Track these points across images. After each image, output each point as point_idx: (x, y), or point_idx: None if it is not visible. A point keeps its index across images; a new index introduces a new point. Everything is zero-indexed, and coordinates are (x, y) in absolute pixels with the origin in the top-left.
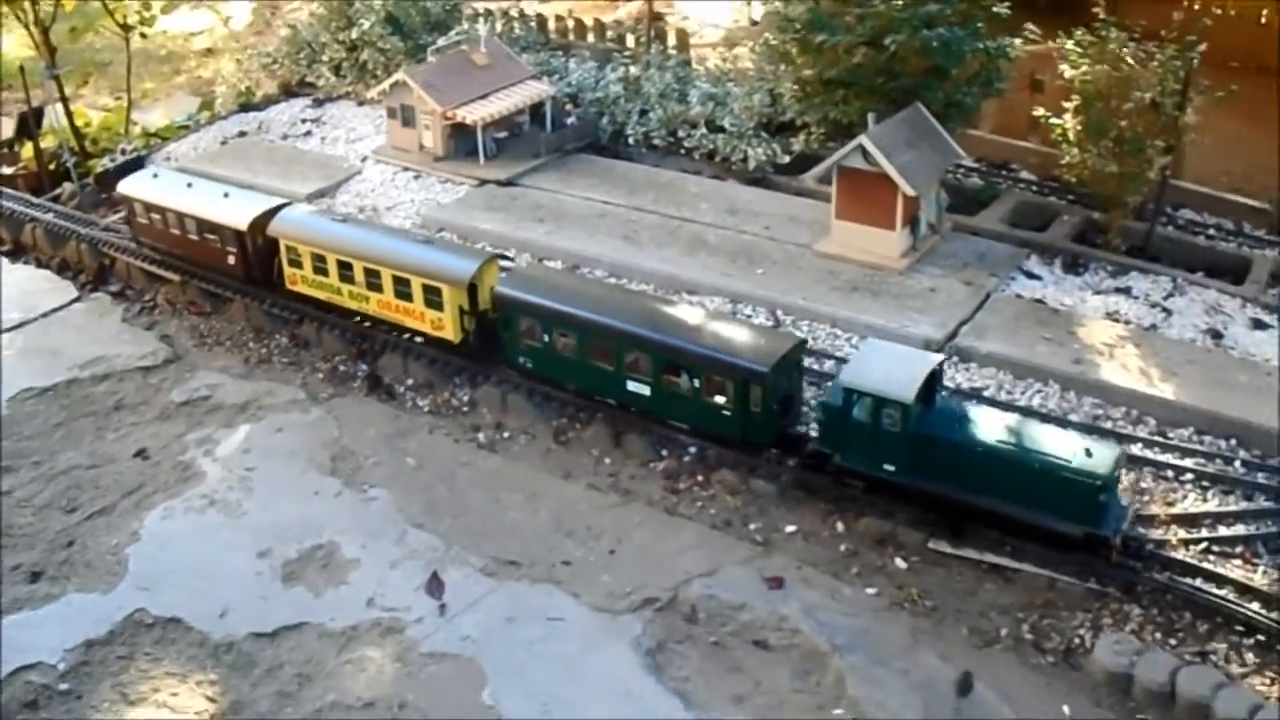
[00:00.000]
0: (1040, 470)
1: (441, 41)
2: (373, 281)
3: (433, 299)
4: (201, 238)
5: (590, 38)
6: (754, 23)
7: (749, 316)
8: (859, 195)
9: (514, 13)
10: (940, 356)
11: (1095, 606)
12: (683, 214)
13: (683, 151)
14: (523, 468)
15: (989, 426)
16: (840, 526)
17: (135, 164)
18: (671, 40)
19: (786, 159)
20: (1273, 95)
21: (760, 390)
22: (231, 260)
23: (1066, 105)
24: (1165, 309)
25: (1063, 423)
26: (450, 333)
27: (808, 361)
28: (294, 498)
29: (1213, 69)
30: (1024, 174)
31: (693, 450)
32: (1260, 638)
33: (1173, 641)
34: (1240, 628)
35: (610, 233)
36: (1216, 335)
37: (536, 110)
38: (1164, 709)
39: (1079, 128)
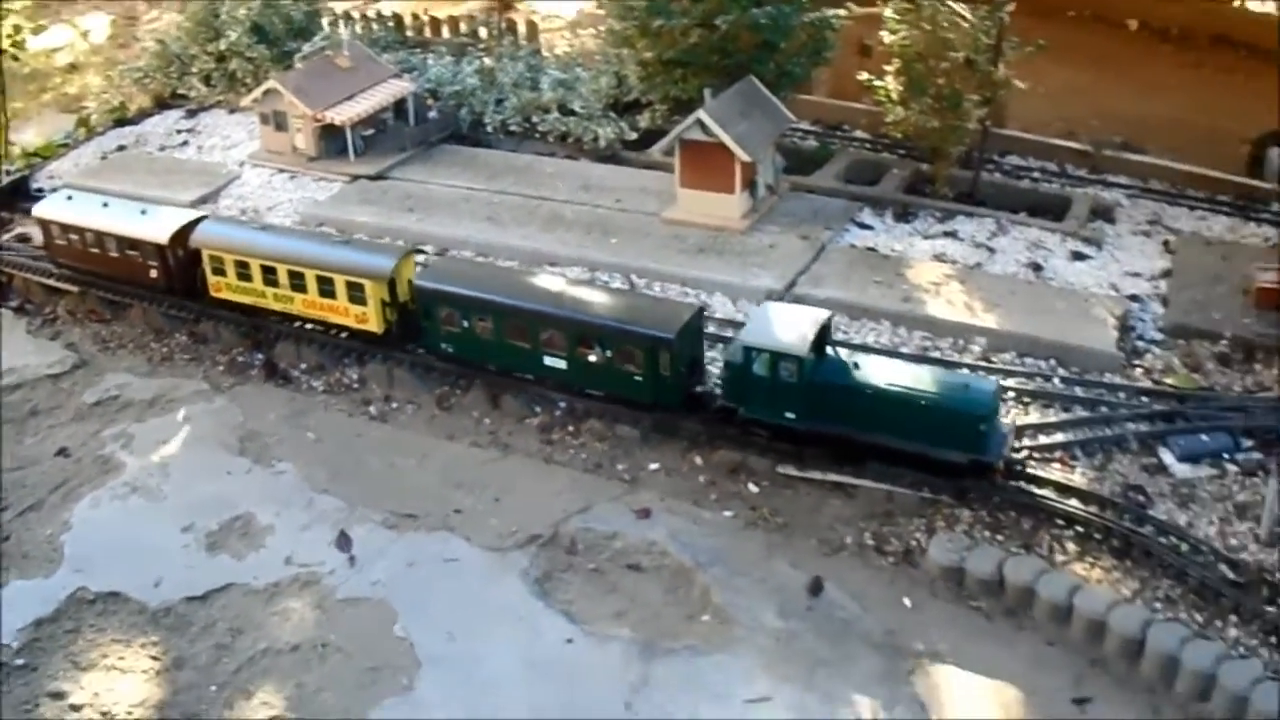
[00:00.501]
0: (925, 407)
1: (307, 48)
2: (296, 283)
3: (356, 295)
4: (122, 254)
5: (445, 33)
6: (600, 5)
7: (606, 283)
8: (700, 164)
9: (371, 14)
10: (829, 313)
11: (929, 513)
12: (541, 193)
13: (538, 135)
14: (412, 434)
15: (878, 372)
16: (698, 460)
17: (19, 184)
18: (522, 31)
19: (634, 135)
20: (1108, 42)
21: (668, 355)
22: (154, 274)
23: (889, 68)
24: (989, 248)
25: (943, 364)
26: (374, 325)
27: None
28: (209, 478)
29: (1048, 19)
30: (857, 133)
31: (563, 405)
32: (1079, 529)
33: (1000, 538)
34: (1061, 522)
35: (474, 216)
36: (1037, 268)
37: (400, 106)
38: (994, 595)
39: (900, 88)
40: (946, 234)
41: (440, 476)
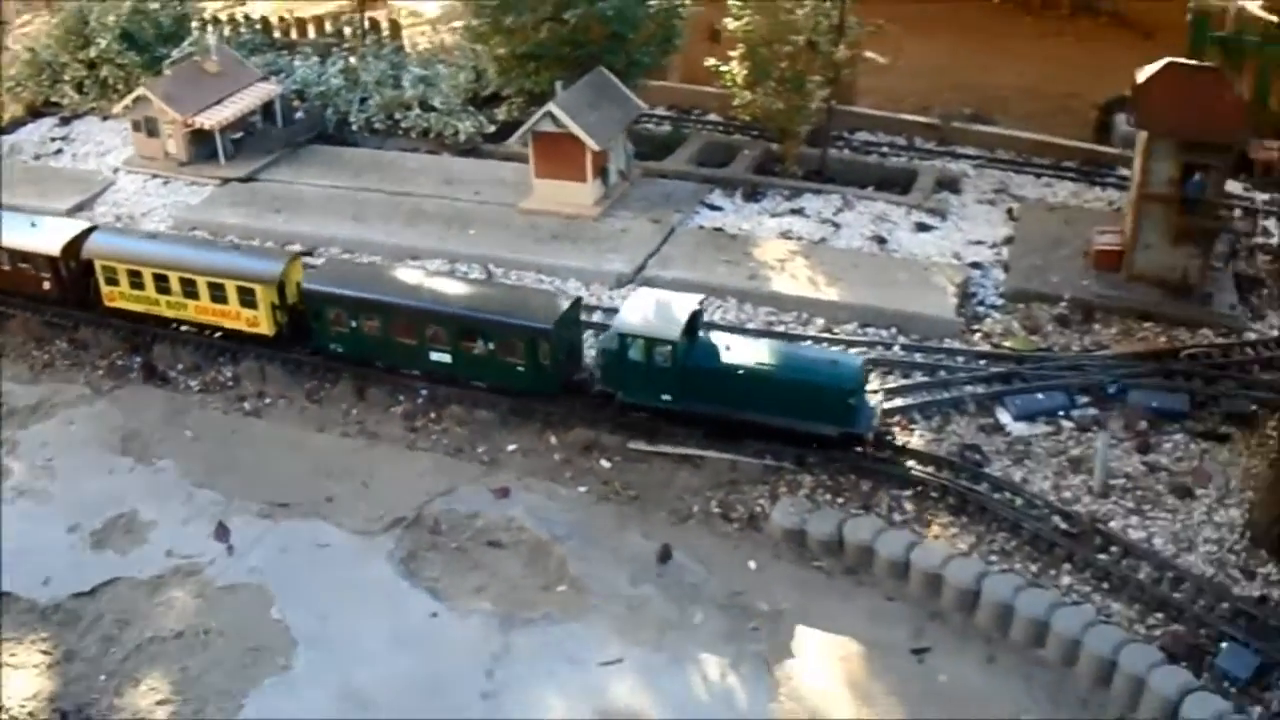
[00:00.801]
0: (795, 384)
1: (176, 54)
2: (189, 290)
3: (247, 299)
4: (15, 267)
5: (311, 33)
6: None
7: (465, 274)
8: (552, 155)
9: (239, 17)
10: (699, 297)
11: (772, 480)
12: (404, 189)
13: (401, 132)
14: (284, 427)
15: (748, 352)
16: (553, 440)
17: None
18: (385, 29)
19: (493, 129)
20: (970, 14)
21: (548, 345)
22: (47, 285)
23: (734, 53)
24: (835, 223)
25: (791, 338)
26: (265, 328)
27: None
28: (93, 478)
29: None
30: (710, 116)
31: (424, 393)
32: (918, 489)
33: (840, 500)
34: (900, 483)
35: (340, 214)
36: (881, 241)
37: (267, 109)
38: (835, 555)
39: (746, 72)
40: (794, 211)
41: (311, 466)
